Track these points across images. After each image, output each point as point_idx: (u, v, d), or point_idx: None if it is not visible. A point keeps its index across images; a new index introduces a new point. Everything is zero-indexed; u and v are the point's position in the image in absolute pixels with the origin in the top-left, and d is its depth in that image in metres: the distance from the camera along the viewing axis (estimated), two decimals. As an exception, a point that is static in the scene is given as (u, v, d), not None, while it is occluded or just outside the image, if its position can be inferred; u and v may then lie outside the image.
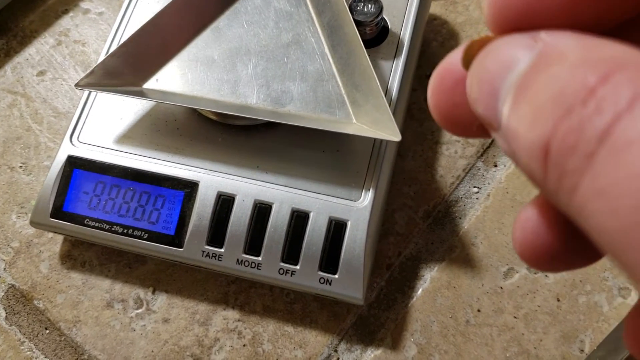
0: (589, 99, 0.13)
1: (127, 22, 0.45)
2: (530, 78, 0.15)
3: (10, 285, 0.42)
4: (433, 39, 0.49)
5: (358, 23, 0.41)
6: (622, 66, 0.13)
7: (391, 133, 0.36)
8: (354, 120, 0.39)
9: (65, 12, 0.51)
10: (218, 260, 0.39)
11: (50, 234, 0.43)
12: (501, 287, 0.41)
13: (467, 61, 0.16)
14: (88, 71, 0.39)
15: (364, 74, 0.39)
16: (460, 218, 0.43)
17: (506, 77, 0.15)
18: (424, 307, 0.40)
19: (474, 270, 0.41)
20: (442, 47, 0.48)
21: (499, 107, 0.16)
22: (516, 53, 0.15)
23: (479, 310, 0.40)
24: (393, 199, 0.43)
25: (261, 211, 0.39)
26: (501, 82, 0.15)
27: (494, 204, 0.43)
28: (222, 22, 0.43)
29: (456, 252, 0.42)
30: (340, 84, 0.40)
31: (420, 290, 0.41)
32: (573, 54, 0.14)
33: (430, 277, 0.41)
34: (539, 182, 0.15)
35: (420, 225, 0.43)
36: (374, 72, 0.38)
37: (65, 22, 0.50)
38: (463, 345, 0.39)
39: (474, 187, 0.44)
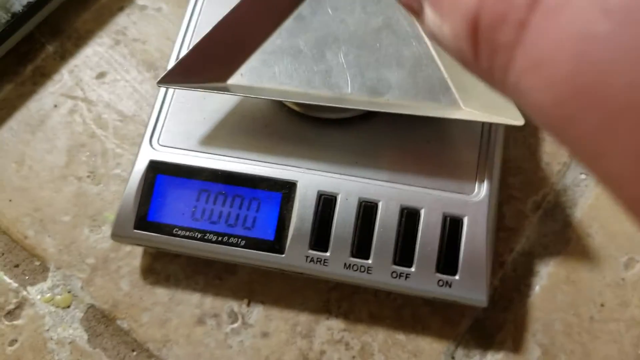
0: None
1: (198, 17, 0.41)
2: None
3: (89, 305, 0.39)
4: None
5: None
6: None
7: (512, 116, 0.33)
8: (462, 106, 0.36)
9: (121, 9, 0.47)
10: (324, 265, 0.35)
11: (128, 248, 0.40)
12: (623, 279, 0.38)
13: None
14: (169, 67, 0.36)
15: None
16: (571, 207, 0.40)
17: None
18: (543, 306, 0.37)
19: (592, 262, 0.38)
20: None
21: None
22: None
23: (602, 305, 0.37)
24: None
25: (367, 210, 0.36)
26: None
27: (606, 190, 0.40)
28: (304, 9, 0.40)
29: (571, 244, 0.39)
30: (442, 68, 0.37)
31: (537, 287, 0.38)
32: None
33: (547, 273, 0.38)
34: (471, 64, 0.13)
35: (530, 218, 0.40)
36: None
37: (122, 20, 0.47)
38: (590, 344, 0.36)
39: (582, 173, 0.41)
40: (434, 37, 0.15)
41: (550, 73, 0.11)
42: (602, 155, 0.11)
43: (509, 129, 0.42)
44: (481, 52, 0.13)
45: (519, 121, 0.33)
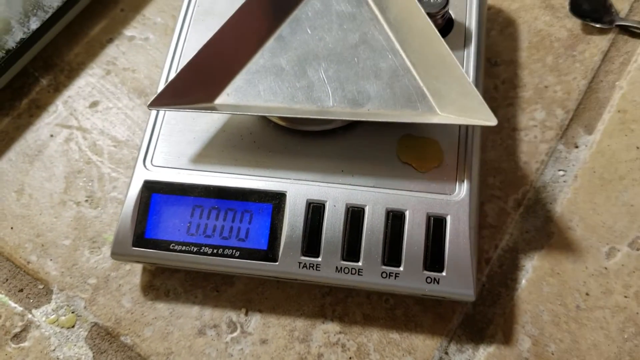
0: None
1: (184, 44, 0.43)
2: None
3: (93, 324, 0.40)
4: (491, 28, 0.48)
5: (426, 15, 0.40)
6: None
7: (485, 118, 0.35)
8: (438, 112, 0.38)
9: (110, 41, 0.49)
10: (316, 270, 0.37)
11: (128, 266, 0.41)
12: (606, 268, 0.39)
13: None
14: (158, 91, 0.38)
15: (443, 63, 0.38)
16: (551, 203, 0.41)
17: None
18: (530, 298, 0.39)
19: (575, 254, 0.40)
20: (501, 34, 0.48)
21: None
22: None
23: (587, 294, 0.39)
24: (480, 191, 0.42)
25: (354, 214, 0.37)
26: None
27: (584, 185, 0.42)
28: (285, 30, 0.42)
29: (553, 237, 0.40)
30: (417, 77, 0.39)
31: (523, 281, 0.39)
32: None
33: (532, 267, 0.40)
34: None
35: (512, 215, 0.41)
36: (456, 59, 0.37)
37: (112, 51, 0.49)
38: (578, 332, 0.38)
39: (560, 170, 0.42)
40: None
41: None
42: None
43: (486, 131, 0.44)
44: None
45: (492, 122, 0.35)
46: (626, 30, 0.47)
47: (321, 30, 0.41)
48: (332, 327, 0.39)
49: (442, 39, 0.37)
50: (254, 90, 0.40)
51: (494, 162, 0.43)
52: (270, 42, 0.41)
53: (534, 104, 0.45)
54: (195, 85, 0.39)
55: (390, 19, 0.41)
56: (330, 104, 0.39)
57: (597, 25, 0.47)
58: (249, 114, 0.38)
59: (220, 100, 0.40)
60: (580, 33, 0.47)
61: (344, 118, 0.38)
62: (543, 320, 0.38)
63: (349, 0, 0.42)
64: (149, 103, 0.37)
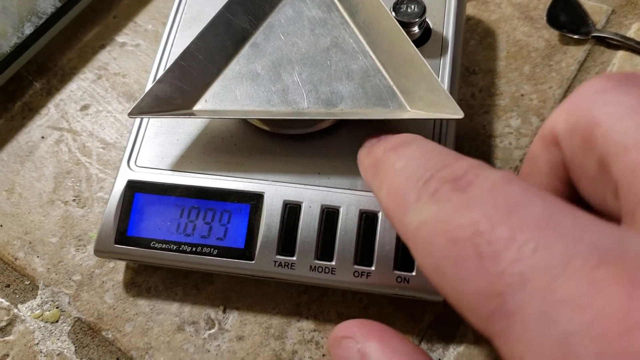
0: None
1: (170, 50, 0.45)
2: None
3: (76, 319, 0.41)
4: (471, 38, 0.49)
5: (403, 24, 0.41)
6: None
7: (452, 111, 0.36)
8: (408, 109, 0.39)
9: (102, 47, 0.51)
10: (291, 269, 0.38)
11: (112, 264, 0.43)
12: (575, 272, 0.40)
13: None
14: (138, 99, 0.39)
15: (411, 62, 0.39)
16: (523, 207, 0.42)
17: None
18: (500, 299, 0.40)
19: (545, 257, 0.41)
20: (480, 44, 0.49)
21: None
22: None
23: (556, 297, 0.40)
24: (454, 194, 0.43)
25: (329, 215, 0.38)
26: None
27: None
28: (258, 37, 0.43)
29: (525, 241, 0.41)
30: (387, 77, 0.40)
31: (494, 282, 0.40)
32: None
33: (503, 268, 0.41)
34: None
35: (485, 218, 0.42)
36: (422, 56, 0.38)
37: (103, 56, 0.51)
38: (546, 333, 0.39)
39: (533, 176, 0.43)
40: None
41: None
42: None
43: (462, 137, 0.45)
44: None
45: (459, 115, 0.36)
46: (602, 42, 0.48)
47: (294, 35, 0.43)
48: (307, 325, 0.40)
49: (407, 38, 0.39)
50: (231, 95, 0.41)
51: (468, 167, 0.44)
52: (245, 49, 0.43)
53: (509, 111, 0.46)
54: (174, 92, 0.40)
55: (360, 23, 0.42)
56: (305, 105, 0.40)
57: (574, 36, 0.48)
58: (224, 117, 0.40)
59: (198, 106, 0.41)
60: (558, 43, 0.49)
61: (318, 117, 0.39)
62: (512, 321, 0.39)
63: (319, 6, 0.44)
64: (129, 111, 0.38)
